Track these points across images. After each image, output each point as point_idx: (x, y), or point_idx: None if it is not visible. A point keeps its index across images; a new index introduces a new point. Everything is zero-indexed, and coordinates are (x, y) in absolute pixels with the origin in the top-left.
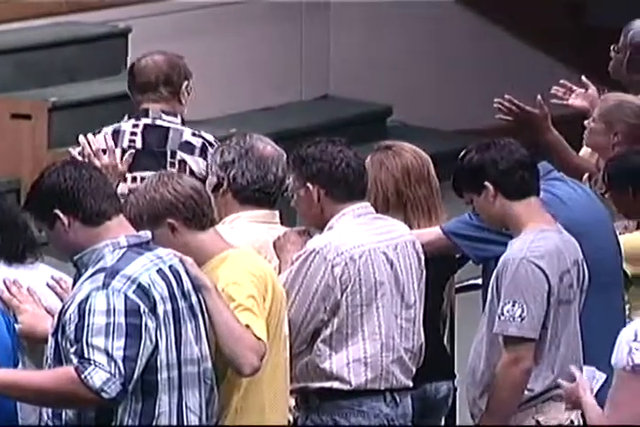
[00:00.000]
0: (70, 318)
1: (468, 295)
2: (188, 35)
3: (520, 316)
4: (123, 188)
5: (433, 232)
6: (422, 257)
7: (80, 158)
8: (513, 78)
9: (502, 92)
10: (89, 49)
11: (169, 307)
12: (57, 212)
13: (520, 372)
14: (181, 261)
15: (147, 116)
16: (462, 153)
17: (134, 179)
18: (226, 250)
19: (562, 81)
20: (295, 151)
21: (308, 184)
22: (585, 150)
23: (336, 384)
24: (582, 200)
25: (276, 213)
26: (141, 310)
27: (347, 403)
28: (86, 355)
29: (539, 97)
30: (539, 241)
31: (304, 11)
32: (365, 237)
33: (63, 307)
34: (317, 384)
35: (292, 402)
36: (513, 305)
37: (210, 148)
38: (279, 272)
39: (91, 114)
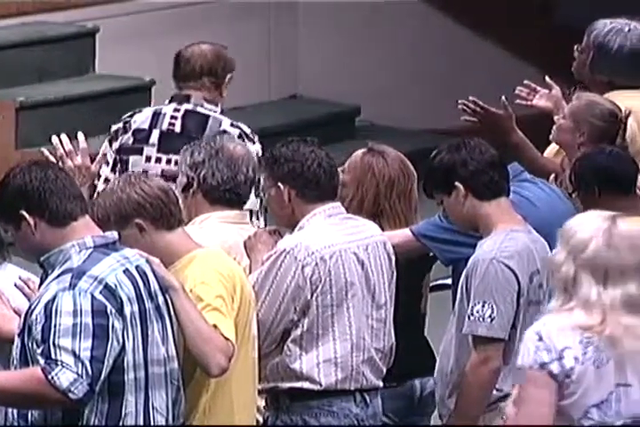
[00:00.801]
0: (37, 319)
1: (438, 295)
2: (156, 35)
3: (490, 316)
4: (156, 168)
5: (403, 234)
6: (393, 258)
7: (53, 159)
8: (479, 78)
9: (469, 93)
10: (57, 49)
11: (136, 308)
12: (23, 213)
13: (489, 372)
14: (148, 261)
15: (188, 102)
16: (433, 154)
17: (169, 161)
18: (194, 250)
19: (526, 81)
20: (267, 151)
21: (279, 184)
22: (549, 151)
23: (306, 384)
24: (552, 201)
25: (246, 213)
26: (108, 311)
27: (317, 403)
28: (53, 356)
29: (503, 98)
30: (508, 241)
31: (272, 11)
32: (336, 238)
33: (30, 307)
34: (287, 384)
35: (262, 402)
36: (483, 305)
37: (245, 138)
38: (250, 272)
39: (58, 114)
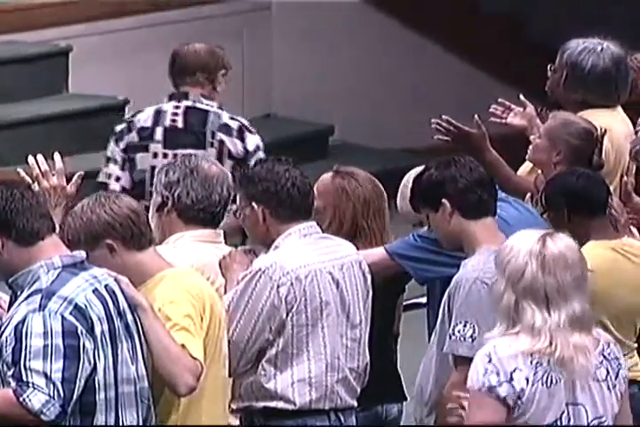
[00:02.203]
0: (7, 341)
1: (411, 314)
2: (130, 54)
3: (471, 336)
4: (161, 163)
5: (378, 253)
6: (369, 277)
7: (29, 179)
8: (453, 97)
9: (442, 112)
10: (30, 68)
11: (106, 327)
12: None
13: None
14: (117, 280)
15: (187, 98)
16: (422, 169)
17: (175, 155)
18: (164, 269)
19: (500, 100)
20: (241, 170)
21: (254, 204)
22: (523, 169)
23: (280, 404)
24: (525, 220)
25: (221, 232)
26: (79, 331)
27: (291, 423)
28: (24, 378)
29: (476, 116)
30: (492, 262)
31: (246, 30)
32: (311, 257)
33: None
34: (262, 404)
35: (237, 422)
36: (464, 325)
37: (246, 131)
38: (225, 292)
39: (31, 133)
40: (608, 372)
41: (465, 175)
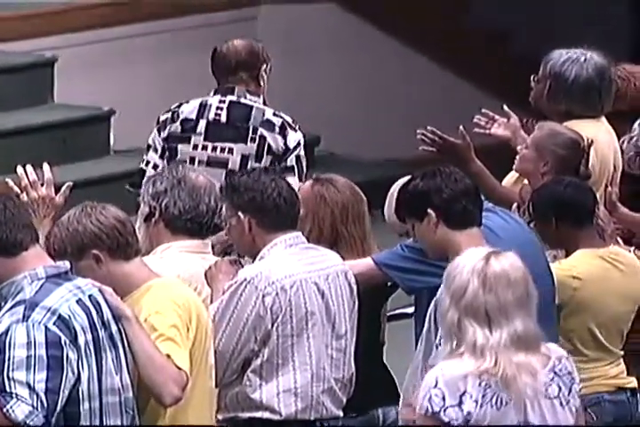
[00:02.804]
0: None
1: (397, 324)
2: (115, 64)
3: None
4: (203, 155)
5: (365, 263)
6: (354, 287)
7: (17, 189)
8: (439, 108)
9: (428, 122)
10: (15, 78)
11: (89, 337)
12: None
13: None
14: (100, 290)
15: (232, 93)
16: (408, 179)
17: (214, 148)
18: (151, 279)
19: (484, 110)
20: (227, 180)
21: (240, 213)
22: (508, 179)
23: (266, 414)
24: (514, 231)
25: (208, 242)
26: (62, 342)
27: None
28: (8, 388)
29: (461, 127)
30: None
31: (230, 39)
32: (297, 267)
33: None
34: (247, 414)
35: None
36: None
37: (288, 127)
38: (211, 302)
39: (16, 143)
40: (560, 388)
41: (450, 185)
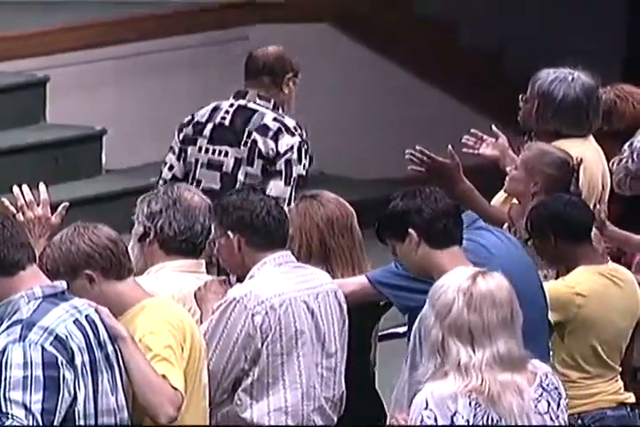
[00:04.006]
0: None
1: (389, 344)
2: (107, 84)
3: None
4: (204, 158)
5: (359, 281)
6: (344, 306)
7: (13, 209)
8: (429, 127)
9: (418, 142)
10: (7, 98)
11: (86, 358)
12: None
13: None
14: (97, 311)
15: (244, 97)
16: (389, 200)
17: (214, 151)
18: (144, 299)
19: (472, 130)
20: (216, 199)
21: (229, 233)
22: (497, 199)
23: None
24: (508, 249)
25: (202, 262)
26: (59, 362)
27: None
28: (4, 409)
29: (449, 147)
30: None
31: (225, 59)
32: (286, 286)
33: None
34: None
35: None
36: None
37: (285, 132)
38: (201, 322)
39: (9, 163)
40: (549, 403)
41: (430, 205)
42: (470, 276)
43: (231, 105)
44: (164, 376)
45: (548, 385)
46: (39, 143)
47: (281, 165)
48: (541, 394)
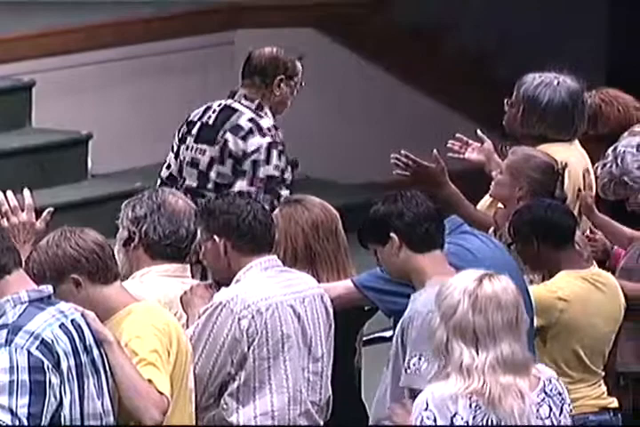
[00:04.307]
0: None
1: (374, 348)
2: (93, 88)
3: (427, 369)
4: (188, 155)
5: (344, 285)
6: (331, 310)
7: None
8: (416, 132)
9: (404, 146)
10: None
11: (72, 362)
12: None
13: None
14: (83, 315)
15: (233, 97)
16: (371, 204)
17: (196, 149)
18: (130, 304)
19: (458, 135)
20: (202, 203)
21: (215, 237)
22: (482, 203)
23: None
24: (493, 254)
25: (187, 266)
26: (45, 367)
27: None
28: None
29: (435, 151)
30: None
31: (210, 63)
32: (272, 290)
33: None
34: None
35: None
36: (419, 358)
37: (256, 132)
38: (187, 327)
39: None
40: (551, 408)
41: (412, 209)
42: (477, 278)
43: (219, 104)
44: (150, 381)
45: (551, 390)
46: (24, 148)
47: (247, 165)
48: (543, 399)
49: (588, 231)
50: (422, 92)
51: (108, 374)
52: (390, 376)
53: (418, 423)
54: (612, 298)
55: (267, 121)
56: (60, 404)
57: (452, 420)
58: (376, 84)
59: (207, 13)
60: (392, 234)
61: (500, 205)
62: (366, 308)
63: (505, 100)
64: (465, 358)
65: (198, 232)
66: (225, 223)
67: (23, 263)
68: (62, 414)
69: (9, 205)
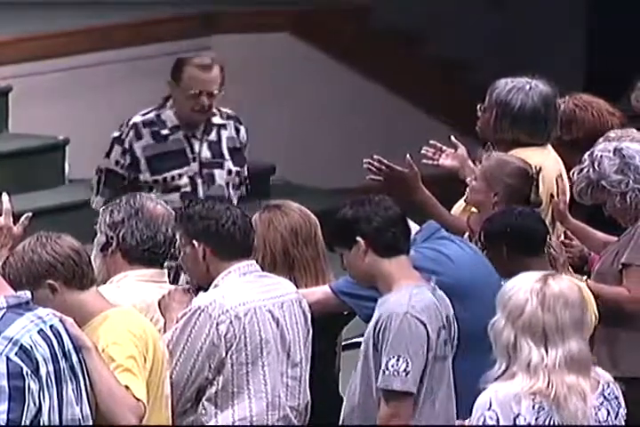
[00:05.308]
0: None
1: (353, 353)
2: (70, 94)
3: (405, 370)
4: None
5: (322, 291)
6: (309, 315)
7: None
8: (395, 137)
9: (381, 151)
10: None
11: (51, 368)
12: None
13: (400, 425)
14: (61, 320)
15: None
16: (338, 208)
17: None
18: (107, 309)
19: (431, 141)
20: (182, 209)
21: (194, 242)
22: (456, 208)
23: None
24: (471, 259)
25: (165, 271)
26: (24, 373)
27: None
28: None
29: (408, 156)
30: (416, 296)
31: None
32: (251, 295)
33: None
34: None
35: None
36: (397, 360)
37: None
38: (164, 331)
39: None
40: (609, 413)
41: (379, 214)
42: (541, 277)
43: None
44: (126, 387)
45: (609, 394)
46: (1, 153)
47: None
48: (602, 402)
49: (562, 236)
50: (399, 96)
51: (87, 379)
52: (360, 377)
53: (480, 423)
54: None
55: (137, 117)
56: (39, 410)
57: (514, 421)
58: (355, 89)
59: (183, 19)
60: (358, 238)
61: (473, 209)
62: (345, 312)
63: (478, 106)
64: (534, 356)
65: (177, 237)
66: (204, 228)
67: (0, 269)
68: (41, 420)
69: None
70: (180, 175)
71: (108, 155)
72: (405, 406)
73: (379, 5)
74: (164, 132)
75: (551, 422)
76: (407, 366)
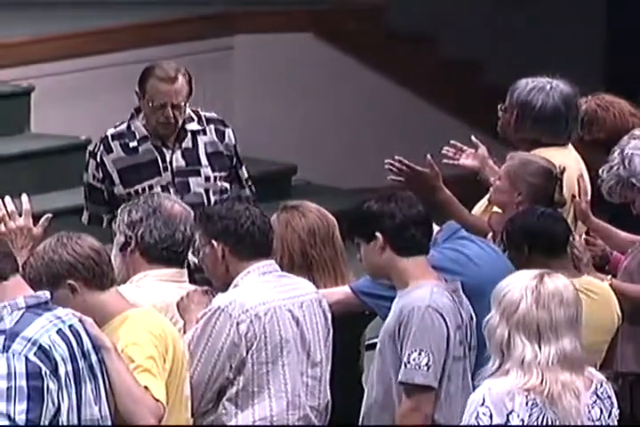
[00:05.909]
0: None
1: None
2: (92, 93)
3: (427, 364)
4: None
5: (342, 291)
6: (329, 315)
7: None
8: (415, 137)
9: (403, 152)
10: None
11: (70, 368)
12: None
13: (420, 419)
14: (81, 320)
15: None
16: (363, 200)
17: None
18: (127, 309)
19: (452, 141)
20: (201, 208)
21: (213, 242)
22: (477, 209)
23: None
24: (491, 259)
25: (185, 271)
26: (43, 373)
27: None
28: None
29: (428, 156)
30: (437, 293)
31: (207, 70)
32: (271, 295)
33: None
34: None
35: None
36: (419, 353)
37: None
38: (184, 332)
39: None
40: (601, 411)
41: (403, 212)
42: (536, 275)
43: None
44: (145, 387)
45: (602, 393)
46: (23, 153)
47: None
48: (595, 401)
49: (584, 235)
50: (418, 97)
51: (106, 379)
52: (376, 373)
53: (473, 419)
54: (603, 307)
55: (111, 129)
56: (58, 410)
57: (507, 417)
58: (377, 91)
59: (205, 19)
60: (377, 233)
61: (495, 209)
62: (367, 312)
63: (498, 106)
64: (527, 353)
65: (196, 237)
66: (223, 228)
67: (20, 269)
68: (60, 420)
69: (6, 210)
70: (152, 186)
71: (86, 169)
72: (426, 400)
73: (393, 6)
74: (133, 144)
75: (544, 419)
76: (429, 360)
